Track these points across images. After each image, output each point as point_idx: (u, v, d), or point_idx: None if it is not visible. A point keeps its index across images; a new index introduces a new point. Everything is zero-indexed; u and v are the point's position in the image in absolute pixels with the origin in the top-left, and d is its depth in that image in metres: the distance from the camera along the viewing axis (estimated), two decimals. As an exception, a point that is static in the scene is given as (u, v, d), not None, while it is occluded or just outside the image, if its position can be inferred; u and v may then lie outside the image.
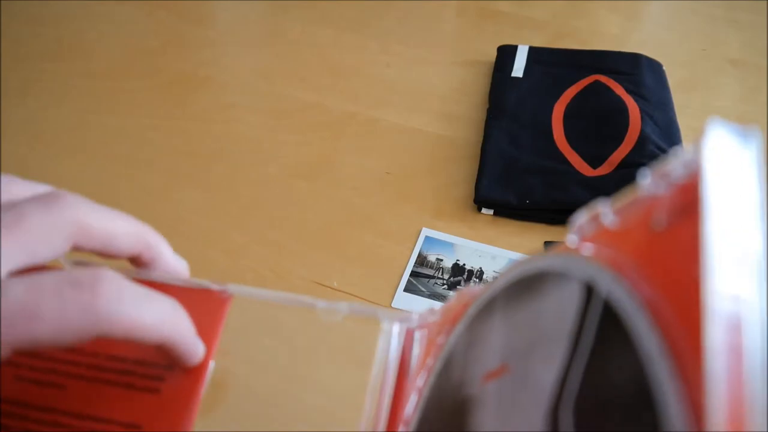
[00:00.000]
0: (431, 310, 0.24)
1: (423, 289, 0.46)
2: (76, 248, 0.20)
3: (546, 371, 0.15)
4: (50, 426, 0.21)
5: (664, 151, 0.52)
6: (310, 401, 0.23)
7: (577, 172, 0.52)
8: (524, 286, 0.18)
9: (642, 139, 0.53)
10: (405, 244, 0.49)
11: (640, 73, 0.60)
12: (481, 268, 0.48)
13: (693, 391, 0.11)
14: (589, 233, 0.16)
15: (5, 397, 0.22)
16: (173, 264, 0.24)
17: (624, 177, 0.51)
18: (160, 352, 0.21)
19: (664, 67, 0.62)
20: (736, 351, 0.11)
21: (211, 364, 0.23)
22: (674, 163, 0.14)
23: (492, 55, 0.66)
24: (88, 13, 0.73)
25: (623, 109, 0.56)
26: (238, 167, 0.56)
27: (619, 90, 0.58)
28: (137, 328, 0.19)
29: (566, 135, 0.56)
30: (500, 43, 0.66)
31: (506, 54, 0.64)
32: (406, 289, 0.46)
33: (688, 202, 0.13)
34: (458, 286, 0.47)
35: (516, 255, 0.49)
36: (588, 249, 0.16)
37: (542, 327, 0.16)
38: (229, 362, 0.23)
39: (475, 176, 0.53)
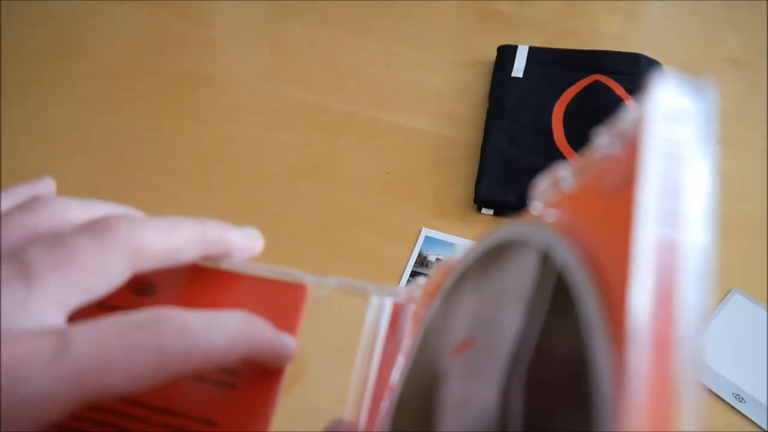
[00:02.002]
0: (417, 284, 0.23)
1: (423, 289, 0.46)
2: (137, 272, 0.19)
3: (505, 338, 0.15)
4: (124, 417, 0.21)
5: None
6: (297, 373, 0.23)
7: (577, 172, 0.52)
8: (491, 257, 0.18)
9: (642, 139, 0.53)
10: (405, 244, 0.49)
11: (640, 73, 0.60)
12: (481, 268, 0.48)
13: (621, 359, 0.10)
14: (550, 199, 0.16)
15: None
16: (244, 247, 0.22)
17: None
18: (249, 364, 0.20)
19: (664, 67, 0.62)
20: (664, 313, 0.10)
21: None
22: (626, 119, 0.13)
23: (492, 55, 0.66)
24: (88, 13, 0.73)
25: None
26: (238, 167, 0.56)
27: (619, 90, 0.58)
28: (212, 355, 0.18)
29: (566, 135, 0.56)
30: (500, 43, 0.66)
31: (506, 54, 0.64)
32: (406, 289, 0.46)
33: (634, 159, 0.12)
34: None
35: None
36: (550, 215, 0.15)
37: (502, 298, 0.16)
38: None
39: (475, 176, 0.53)
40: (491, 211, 0.52)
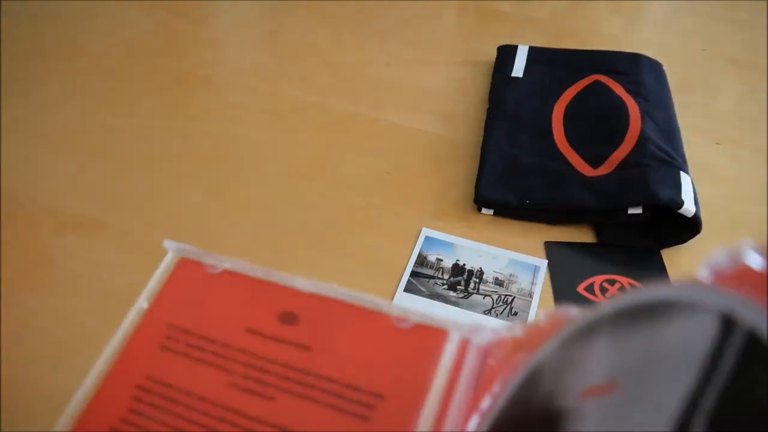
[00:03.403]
0: (506, 327, 0.24)
1: (423, 289, 0.46)
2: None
3: (670, 390, 0.17)
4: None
5: (664, 151, 0.52)
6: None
7: (577, 172, 0.52)
8: (642, 313, 0.19)
9: (642, 139, 0.53)
10: (405, 244, 0.49)
11: (640, 73, 0.60)
12: (481, 268, 0.48)
13: None
14: (724, 270, 0.17)
15: (219, 403, 0.23)
16: None
17: (624, 177, 0.51)
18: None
19: (663, 67, 0.62)
20: None
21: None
22: None
23: (492, 55, 0.66)
24: (88, 13, 0.73)
25: (623, 109, 0.56)
26: (238, 167, 0.56)
27: (619, 90, 0.58)
28: None
29: (566, 135, 0.56)
30: (500, 43, 0.66)
31: (506, 54, 0.64)
32: (406, 289, 0.46)
33: None
34: (458, 286, 0.47)
35: (516, 255, 0.49)
36: (721, 284, 0.17)
37: (665, 351, 0.17)
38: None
39: (475, 176, 0.53)
40: (491, 211, 0.52)
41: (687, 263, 0.50)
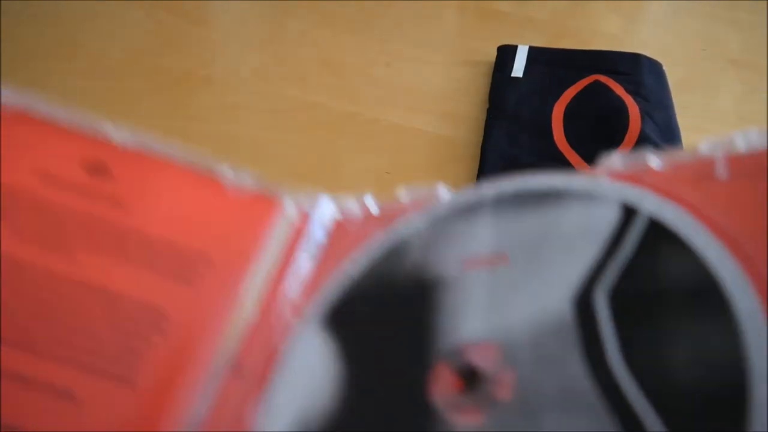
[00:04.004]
0: (355, 203, 0.24)
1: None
2: None
3: (568, 265, 0.19)
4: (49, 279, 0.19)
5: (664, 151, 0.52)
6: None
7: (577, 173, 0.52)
8: (532, 198, 0.21)
9: (642, 139, 0.53)
10: (405, 244, 0.49)
11: (640, 73, 0.60)
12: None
13: (758, 279, 0.15)
14: (621, 169, 0.20)
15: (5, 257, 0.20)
16: None
17: (624, 177, 0.51)
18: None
19: (663, 67, 0.62)
20: None
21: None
22: (738, 140, 0.18)
23: (492, 55, 0.66)
24: (88, 13, 0.73)
25: (623, 109, 0.56)
26: (238, 167, 0.56)
27: (619, 90, 0.58)
28: None
29: (566, 135, 0.56)
30: (500, 43, 0.66)
31: (506, 54, 0.64)
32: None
33: (753, 165, 0.18)
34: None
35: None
36: (619, 179, 0.20)
37: (562, 232, 0.19)
38: None
39: (475, 176, 0.53)
40: (491, 211, 0.51)
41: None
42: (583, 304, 0.18)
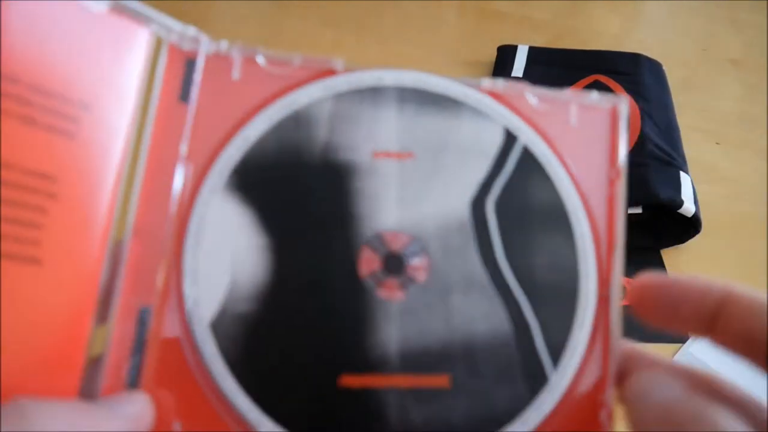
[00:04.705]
0: (234, 47, 0.23)
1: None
2: None
3: (466, 174, 0.23)
4: None
5: (663, 151, 0.52)
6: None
7: (577, 172, 0.52)
8: (430, 99, 0.23)
9: (642, 139, 0.53)
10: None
11: (639, 73, 0.60)
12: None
13: (588, 206, 0.23)
14: (500, 92, 0.23)
15: None
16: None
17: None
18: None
19: (663, 67, 0.62)
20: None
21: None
22: (592, 96, 0.26)
23: (492, 55, 0.66)
24: (88, 13, 0.73)
25: (623, 109, 0.56)
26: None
27: (618, 90, 0.58)
28: None
29: (566, 135, 0.56)
30: (500, 43, 0.66)
31: (506, 54, 0.64)
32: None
33: (597, 119, 0.25)
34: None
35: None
36: (501, 101, 0.23)
37: (460, 142, 0.23)
38: None
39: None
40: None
41: (686, 263, 0.50)
42: (478, 209, 0.22)
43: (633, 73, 0.60)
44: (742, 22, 0.73)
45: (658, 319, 0.20)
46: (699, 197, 0.50)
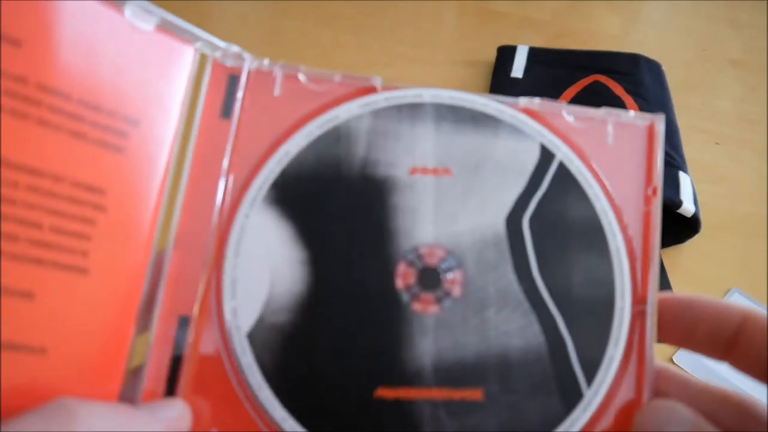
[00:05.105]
0: (278, 66, 0.24)
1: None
2: None
3: (502, 192, 0.23)
4: None
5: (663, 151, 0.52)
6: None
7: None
8: (467, 117, 0.24)
9: (641, 139, 0.53)
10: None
11: (639, 73, 0.60)
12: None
13: (623, 224, 0.23)
14: (536, 110, 0.24)
15: None
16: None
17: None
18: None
19: (663, 67, 0.62)
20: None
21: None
22: (627, 114, 0.25)
23: (492, 55, 0.66)
24: (88, 13, 0.73)
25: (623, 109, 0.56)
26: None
27: (618, 90, 0.58)
28: None
29: (566, 135, 0.56)
30: (500, 43, 0.66)
31: (506, 54, 0.64)
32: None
33: (633, 137, 0.25)
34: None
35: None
36: (536, 120, 0.23)
37: (497, 159, 0.23)
38: None
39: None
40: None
41: (686, 263, 0.50)
42: (514, 224, 0.23)
43: (632, 74, 0.60)
44: (742, 22, 0.73)
45: (673, 338, 0.21)
46: (699, 197, 0.50)
